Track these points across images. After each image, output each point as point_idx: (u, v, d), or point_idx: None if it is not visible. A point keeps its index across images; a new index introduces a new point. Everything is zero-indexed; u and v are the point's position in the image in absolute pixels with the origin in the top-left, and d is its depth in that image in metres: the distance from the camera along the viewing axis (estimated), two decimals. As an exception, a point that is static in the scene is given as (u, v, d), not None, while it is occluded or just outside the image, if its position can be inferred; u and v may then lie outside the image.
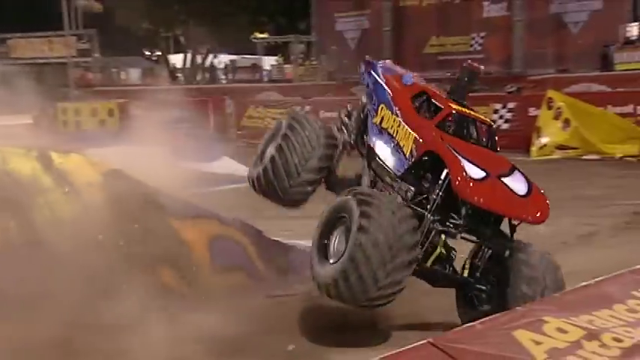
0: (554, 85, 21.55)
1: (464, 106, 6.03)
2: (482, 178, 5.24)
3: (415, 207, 5.43)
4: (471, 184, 5.18)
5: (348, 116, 6.89)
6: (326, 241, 5.33)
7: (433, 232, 5.29)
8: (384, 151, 6.05)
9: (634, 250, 7.87)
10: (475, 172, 5.23)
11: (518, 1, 27.49)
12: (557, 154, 18.24)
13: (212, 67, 40.05)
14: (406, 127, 5.80)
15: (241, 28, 37.52)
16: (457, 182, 5.18)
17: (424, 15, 29.75)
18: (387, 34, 30.36)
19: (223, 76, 39.02)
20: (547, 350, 2.99)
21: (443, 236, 5.37)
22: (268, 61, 38.56)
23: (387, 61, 7.18)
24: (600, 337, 3.08)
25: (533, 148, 18.63)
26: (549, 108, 19.01)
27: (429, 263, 5.35)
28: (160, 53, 43.70)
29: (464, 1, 29.16)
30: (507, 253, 5.43)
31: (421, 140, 5.61)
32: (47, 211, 6.03)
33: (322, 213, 5.51)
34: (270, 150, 6.48)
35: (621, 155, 17.48)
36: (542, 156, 18.22)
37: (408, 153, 5.69)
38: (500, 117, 21.18)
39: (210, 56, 40.42)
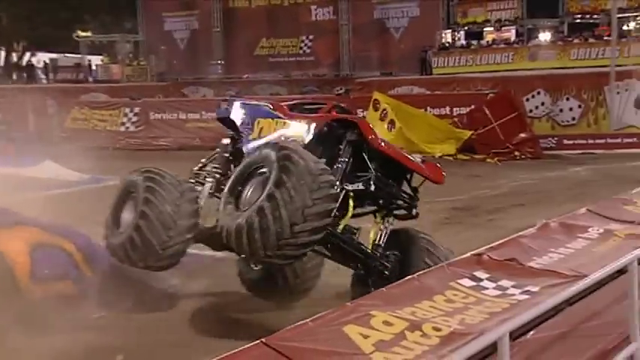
0: (379, 87, 22.56)
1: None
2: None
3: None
4: (380, 139, 5.62)
5: (207, 165, 6.75)
6: (240, 188, 5.27)
7: (343, 194, 5.33)
8: None
9: (452, 244, 8.38)
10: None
11: (344, 6, 28.50)
12: (383, 154, 19.08)
13: (30, 65, 37.61)
14: (294, 120, 5.98)
15: (62, 25, 35.57)
16: (370, 137, 5.52)
17: (254, 17, 29.96)
18: (217, 35, 30.24)
19: (43, 76, 36.78)
20: (374, 343, 3.12)
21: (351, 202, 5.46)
22: (95, 61, 36.90)
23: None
24: (422, 327, 3.26)
25: (361, 149, 19.36)
26: (375, 109, 19.86)
27: (340, 229, 5.43)
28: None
29: (293, 5, 29.73)
30: (415, 212, 5.85)
31: (320, 118, 5.87)
32: None
33: (238, 169, 5.45)
34: (128, 216, 6.13)
35: (440, 154, 18.64)
36: (369, 156, 18.99)
37: (304, 136, 5.75)
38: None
39: (27, 54, 37.98)
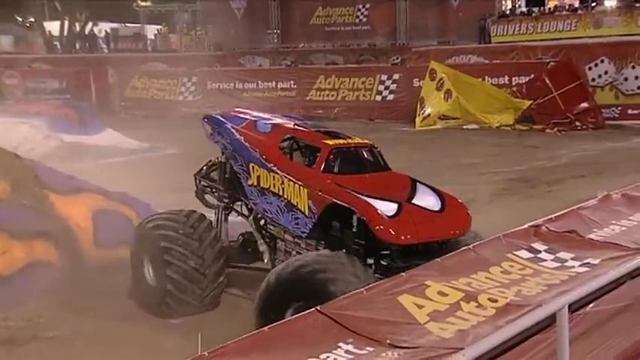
0: (436, 56, 22.21)
1: (338, 136, 5.66)
2: (397, 212, 4.87)
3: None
4: (389, 225, 4.78)
5: (206, 176, 6.51)
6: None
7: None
8: (275, 213, 5.53)
9: (509, 215, 8.29)
10: (387, 208, 4.85)
11: (401, -27, 28.04)
12: (440, 124, 18.87)
13: (92, 35, 38.36)
14: (292, 182, 5.35)
15: (123, -5, 36.17)
16: (378, 228, 4.77)
17: (310, -15, 29.78)
18: (273, 5, 30.18)
19: (104, 46, 37.47)
20: (429, 313, 3.12)
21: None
22: (152, 31, 37.38)
23: (234, 110, 6.77)
24: (477, 298, 3.24)
25: (417, 119, 19.18)
26: (432, 79, 19.59)
27: None
28: (33, 19, 41.35)
29: (349, -28, 29.41)
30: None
31: (318, 194, 5.16)
32: None
33: None
34: (153, 276, 5.84)
35: (498, 125, 18.32)
36: (426, 126, 18.80)
37: (306, 211, 5.22)
38: (386, 88, 21.66)
39: (90, 24, 38.70)
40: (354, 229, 4.96)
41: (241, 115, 6.37)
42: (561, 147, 15.04)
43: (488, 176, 11.69)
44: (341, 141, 5.54)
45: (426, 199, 5.10)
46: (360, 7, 29.22)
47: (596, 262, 3.77)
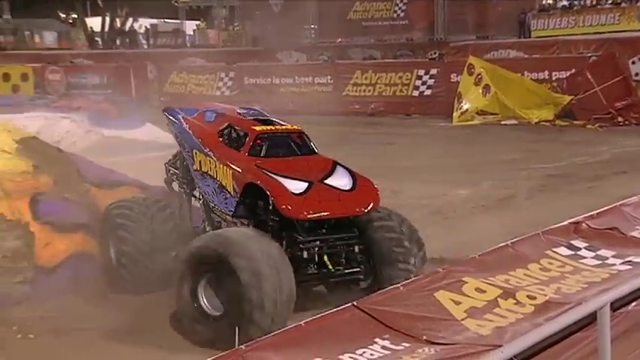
0: (474, 51, 21.98)
1: (269, 122, 6.11)
2: (305, 190, 5.31)
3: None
4: (294, 202, 5.23)
5: (174, 165, 6.82)
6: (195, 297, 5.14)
7: (289, 256, 5.24)
8: (211, 194, 6.06)
9: (548, 212, 8.18)
10: (296, 187, 5.31)
11: (439, -33, 27.78)
12: (478, 120, 18.68)
13: (132, 31, 38.88)
14: (221, 165, 5.81)
15: (163, -9, 36.53)
16: (281, 205, 5.22)
17: (348, -20, 29.68)
18: (311, 0, 30.19)
19: (144, 41, 37.95)
20: (466, 309, 3.10)
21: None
22: (190, 26, 37.71)
23: (201, 104, 7.19)
24: (516, 295, 3.21)
25: (455, 114, 19.01)
26: (470, 74, 19.40)
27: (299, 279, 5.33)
28: (76, 16, 42.06)
29: (387, -33, 29.25)
30: (356, 248, 5.51)
31: (238, 174, 5.62)
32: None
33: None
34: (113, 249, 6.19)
35: (537, 120, 18.06)
36: (464, 122, 18.64)
37: (232, 191, 5.67)
38: (423, 83, 21.52)
39: (130, 20, 39.22)
40: (270, 207, 5.35)
41: (198, 107, 6.81)
42: (603, 143, 14.77)
43: (527, 172, 11.54)
44: (269, 127, 6.00)
45: (339, 180, 5.53)
46: (398, 1, 29.03)
47: (638, 259, 3.70)
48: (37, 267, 5.92)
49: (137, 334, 5.36)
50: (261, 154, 5.75)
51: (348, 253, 5.53)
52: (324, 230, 5.44)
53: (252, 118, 6.22)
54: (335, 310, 3.11)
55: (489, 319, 3.00)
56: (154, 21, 39.77)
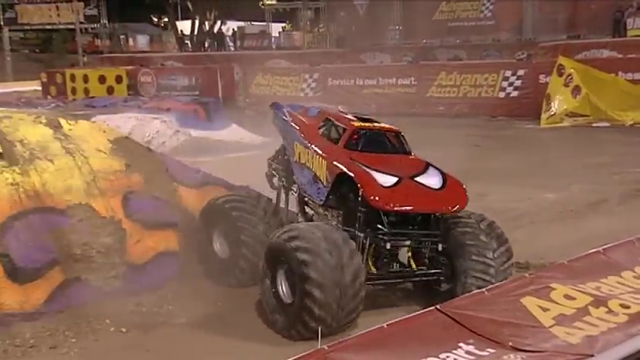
0: (564, 51, 21.32)
1: (368, 120, 6.24)
2: (395, 184, 5.44)
3: (349, 228, 5.56)
4: (382, 194, 5.34)
5: (275, 160, 7.02)
6: (274, 288, 5.30)
7: (367, 248, 5.42)
8: (307, 184, 6.23)
9: (642, 218, 7.86)
10: (385, 180, 5.43)
11: (530, -34, 27.12)
12: (567, 122, 18.11)
13: (220, 33, 39.80)
14: (318, 156, 6.01)
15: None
16: (369, 196, 5.33)
17: (434, -20, 29.41)
18: (396, 1, 30.06)
19: (231, 43, 38.77)
20: (554, 317, 3.02)
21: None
22: (276, 28, 38.25)
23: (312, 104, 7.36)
24: (607, 303, 3.10)
25: (543, 116, 18.48)
26: (560, 75, 18.82)
27: (373, 269, 5.45)
28: (167, 20, 43.44)
29: (474, -34, 28.79)
30: (440, 247, 5.55)
31: (332, 165, 5.77)
32: (56, 176, 6.07)
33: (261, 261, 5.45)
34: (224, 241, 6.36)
35: (632, 122, 17.34)
36: (552, 124, 18.10)
37: (325, 181, 5.85)
38: (510, 84, 21.05)
39: (218, 23, 40.16)
40: (359, 198, 5.45)
41: (304, 104, 7.09)
42: None
43: (620, 176, 11.10)
44: (367, 124, 6.14)
45: (430, 179, 5.62)
46: (485, 1, 28.54)
47: None
48: (128, 263, 6.13)
49: (223, 329, 5.48)
50: (357, 149, 5.90)
51: (432, 253, 5.57)
52: (410, 227, 5.54)
53: (352, 115, 6.41)
54: (418, 313, 3.09)
55: (579, 328, 2.91)
56: (241, 23, 40.59)
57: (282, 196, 6.80)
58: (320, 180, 5.95)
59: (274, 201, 6.75)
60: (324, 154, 5.96)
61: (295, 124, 6.58)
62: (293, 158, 6.49)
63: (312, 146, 6.15)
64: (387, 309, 5.64)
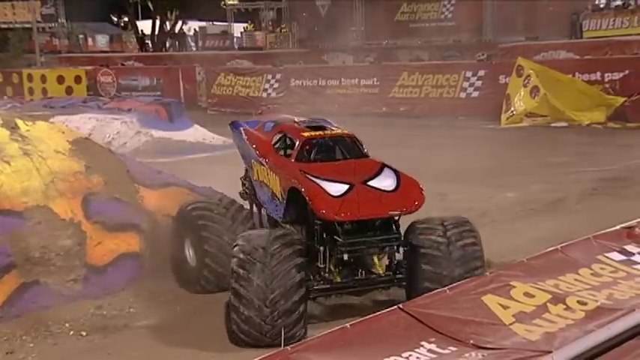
0: (523, 52, 21.64)
1: (321, 128, 6.17)
2: (346, 192, 5.28)
3: (310, 242, 5.47)
4: (330, 205, 5.18)
5: (246, 178, 6.99)
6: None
7: (329, 259, 5.31)
8: (267, 202, 6.19)
9: (599, 216, 8.01)
10: (336, 190, 5.29)
11: (488, -33, 27.45)
12: (527, 122, 18.39)
13: (181, 33, 39.47)
14: (273, 172, 5.94)
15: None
16: (318, 209, 5.20)
17: (395, -19, 29.59)
18: (358, 2, 30.18)
19: (193, 44, 38.46)
20: (514, 314, 3.05)
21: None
22: (238, 28, 38.06)
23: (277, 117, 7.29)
24: (566, 300, 3.15)
25: (503, 116, 18.74)
26: (519, 75, 19.10)
27: (338, 279, 5.34)
28: (127, 19, 42.91)
29: (434, -32, 29.05)
30: (401, 251, 5.47)
31: (284, 179, 5.69)
32: (13, 178, 5.96)
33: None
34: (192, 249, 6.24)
35: (588, 122, 17.67)
36: (512, 124, 18.36)
37: (280, 197, 5.76)
38: (471, 85, 21.29)
39: (179, 23, 39.82)
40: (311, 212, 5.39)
41: (261, 119, 7.08)
42: (657, 146, 14.39)
43: (577, 175, 11.31)
44: (318, 132, 6.06)
45: (383, 182, 5.48)
46: (446, 2, 28.82)
47: (694, 266, 3.59)
48: (88, 265, 6.05)
49: (185, 332, 5.43)
50: (309, 159, 5.82)
51: (391, 256, 5.47)
52: (370, 232, 5.36)
53: (305, 125, 6.30)
54: (381, 312, 3.10)
55: (538, 325, 2.95)
56: (203, 23, 40.28)
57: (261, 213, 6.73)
58: (277, 197, 5.86)
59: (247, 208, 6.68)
60: (277, 170, 5.88)
61: (251, 142, 6.52)
62: (253, 177, 6.45)
63: (267, 163, 6.09)
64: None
